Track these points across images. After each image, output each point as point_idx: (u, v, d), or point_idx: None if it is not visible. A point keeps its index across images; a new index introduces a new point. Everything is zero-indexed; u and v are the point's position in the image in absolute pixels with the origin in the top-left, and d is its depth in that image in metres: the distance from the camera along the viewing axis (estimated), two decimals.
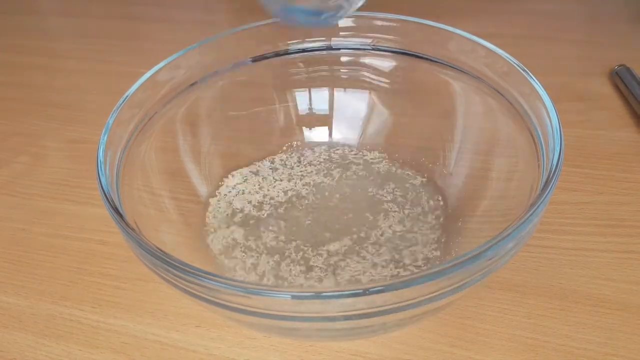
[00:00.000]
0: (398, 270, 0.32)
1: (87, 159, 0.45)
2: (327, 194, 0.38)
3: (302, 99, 0.42)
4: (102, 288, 0.34)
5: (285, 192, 0.38)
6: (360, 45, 0.38)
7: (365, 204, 0.37)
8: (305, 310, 0.22)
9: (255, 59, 0.39)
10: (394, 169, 0.40)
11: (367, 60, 0.39)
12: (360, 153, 0.41)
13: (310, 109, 0.42)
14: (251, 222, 0.36)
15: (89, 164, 0.44)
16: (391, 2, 0.59)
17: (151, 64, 0.33)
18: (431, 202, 0.37)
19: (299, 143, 0.42)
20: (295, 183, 0.39)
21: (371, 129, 0.41)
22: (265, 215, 0.37)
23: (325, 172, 0.40)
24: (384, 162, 0.40)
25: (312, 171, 0.40)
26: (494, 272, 0.23)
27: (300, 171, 0.40)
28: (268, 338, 0.31)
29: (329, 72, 0.41)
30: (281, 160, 0.41)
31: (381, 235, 0.35)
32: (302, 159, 0.41)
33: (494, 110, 0.34)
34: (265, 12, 0.35)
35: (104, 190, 0.26)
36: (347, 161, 0.40)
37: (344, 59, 0.40)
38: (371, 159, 0.40)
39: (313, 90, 0.42)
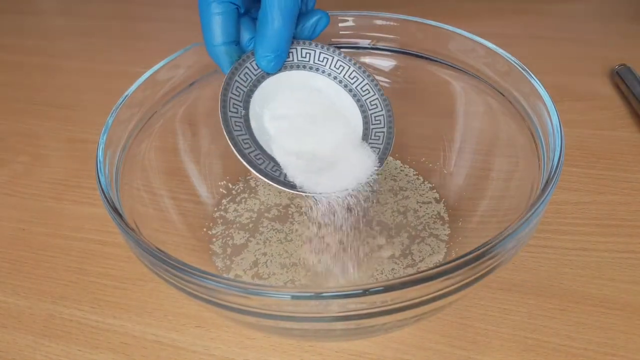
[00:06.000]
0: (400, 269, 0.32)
1: (87, 158, 0.45)
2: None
3: None
4: (102, 288, 0.34)
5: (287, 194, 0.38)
6: (360, 44, 0.38)
7: (363, 196, 0.37)
8: (304, 311, 0.22)
9: None
10: (393, 167, 0.39)
11: (367, 59, 0.39)
12: None
13: None
14: (251, 225, 0.36)
15: (89, 163, 0.44)
16: (391, 1, 0.59)
17: (151, 64, 0.33)
18: (433, 200, 0.37)
19: None
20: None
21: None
22: (268, 218, 0.37)
23: None
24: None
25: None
26: (494, 272, 0.23)
27: None
28: (268, 338, 0.31)
29: None
30: None
31: (382, 234, 0.35)
32: None
33: (494, 110, 0.34)
34: None
35: (103, 190, 0.26)
36: None
37: None
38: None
39: None
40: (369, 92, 0.32)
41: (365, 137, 0.31)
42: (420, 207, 0.36)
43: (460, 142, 0.38)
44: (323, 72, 0.32)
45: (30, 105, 0.53)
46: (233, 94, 0.29)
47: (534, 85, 0.29)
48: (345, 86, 0.32)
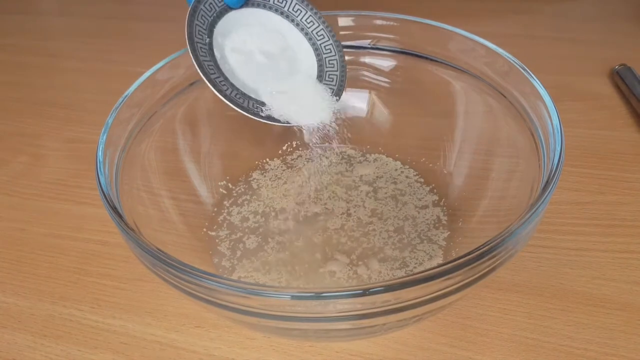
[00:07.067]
0: (400, 270, 0.32)
1: (87, 158, 0.45)
2: (328, 195, 0.38)
3: None
4: (101, 288, 0.34)
5: (289, 196, 0.38)
6: (360, 44, 0.38)
7: (367, 205, 0.37)
8: (305, 311, 0.22)
9: None
10: (394, 168, 0.39)
11: (367, 59, 0.39)
12: (361, 153, 0.41)
13: None
14: (261, 229, 0.36)
15: (89, 163, 0.44)
16: (392, 1, 0.59)
17: (150, 64, 0.33)
18: (431, 203, 0.37)
19: (299, 143, 0.42)
20: (296, 186, 0.39)
21: (371, 128, 0.41)
22: (270, 220, 0.37)
23: (325, 173, 0.40)
24: (384, 162, 0.40)
25: (311, 172, 0.40)
26: (495, 272, 0.23)
27: (301, 173, 0.40)
28: (268, 338, 0.31)
29: None
30: (283, 162, 0.41)
31: (382, 235, 0.35)
32: (302, 160, 0.41)
33: (494, 110, 0.34)
34: None
35: (103, 190, 0.26)
36: (348, 161, 0.40)
37: None
38: (372, 159, 0.40)
39: None
40: (324, 37, 0.34)
41: (320, 78, 0.34)
42: (419, 212, 0.36)
43: (461, 142, 0.38)
44: (282, 13, 0.34)
45: (30, 105, 0.53)
46: (199, 21, 0.31)
47: (534, 85, 0.29)
48: (302, 29, 0.34)
